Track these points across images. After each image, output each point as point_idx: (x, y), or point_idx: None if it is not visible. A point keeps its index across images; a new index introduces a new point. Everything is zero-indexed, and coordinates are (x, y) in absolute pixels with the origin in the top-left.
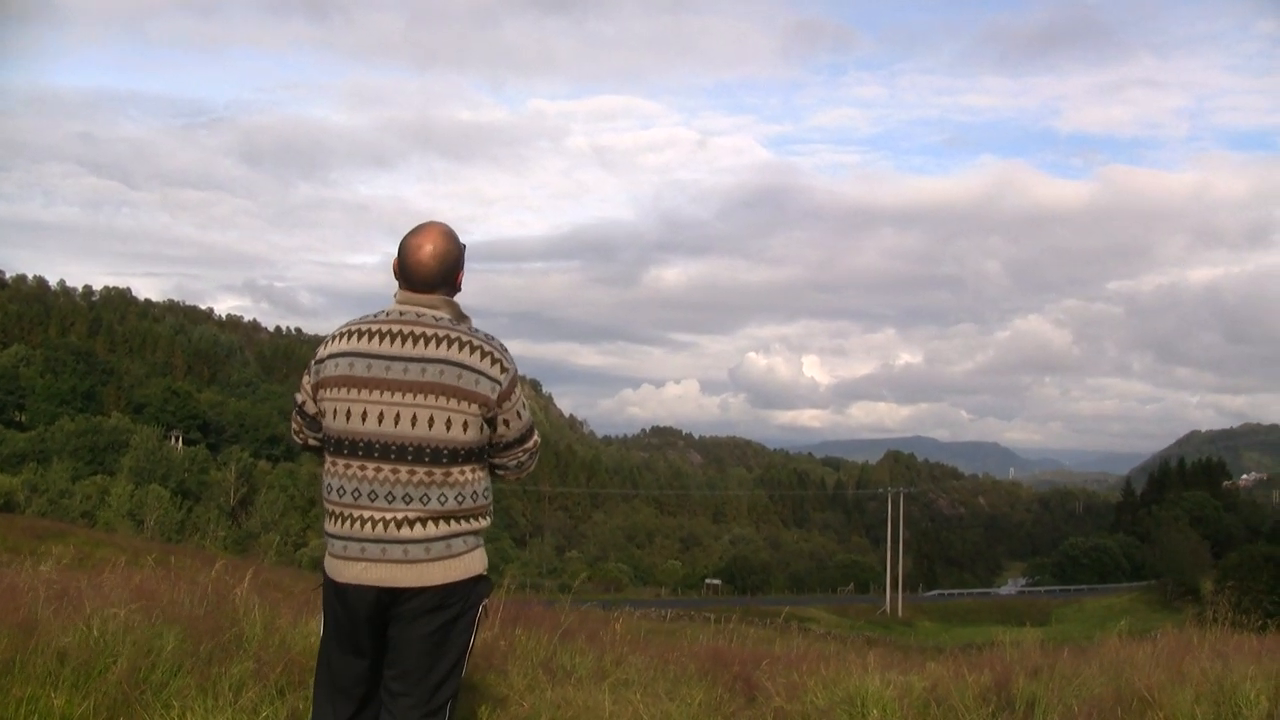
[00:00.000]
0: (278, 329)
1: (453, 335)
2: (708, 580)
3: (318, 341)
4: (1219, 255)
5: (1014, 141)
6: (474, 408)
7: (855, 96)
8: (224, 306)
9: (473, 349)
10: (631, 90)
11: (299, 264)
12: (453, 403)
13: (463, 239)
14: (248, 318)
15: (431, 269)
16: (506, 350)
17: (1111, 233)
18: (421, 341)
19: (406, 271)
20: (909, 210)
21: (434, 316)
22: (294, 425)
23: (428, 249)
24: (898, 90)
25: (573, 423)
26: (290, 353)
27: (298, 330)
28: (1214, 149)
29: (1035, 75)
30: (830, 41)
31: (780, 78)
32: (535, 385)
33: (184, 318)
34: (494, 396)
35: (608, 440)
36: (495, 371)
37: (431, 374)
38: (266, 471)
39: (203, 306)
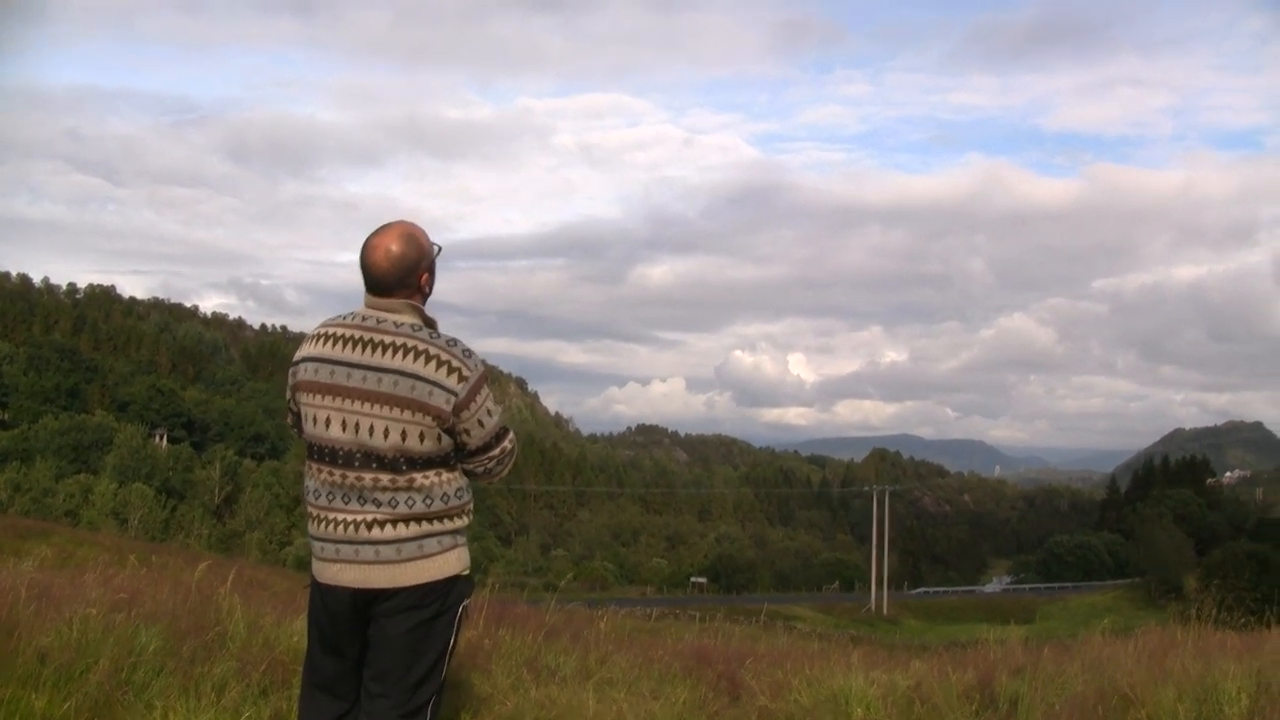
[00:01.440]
0: (263, 326)
1: (409, 344)
2: (693, 578)
3: (303, 340)
4: (1203, 254)
5: (1000, 140)
6: (428, 419)
7: (842, 94)
8: (209, 304)
9: (428, 359)
10: (619, 88)
11: (285, 262)
12: (406, 414)
13: (449, 237)
14: (233, 315)
15: (384, 271)
16: (471, 356)
17: (1097, 231)
18: (379, 350)
19: (364, 272)
20: (895, 208)
21: (394, 323)
22: (288, 419)
23: (381, 251)
24: (885, 88)
25: (558, 421)
26: (275, 350)
27: (283, 328)
28: (1200, 147)
29: (1022, 74)
30: (818, 39)
31: (768, 75)
32: (521, 383)
33: (169, 315)
34: (449, 408)
35: (593, 438)
36: (451, 382)
37: (386, 385)
38: (251, 470)
39: (188, 304)
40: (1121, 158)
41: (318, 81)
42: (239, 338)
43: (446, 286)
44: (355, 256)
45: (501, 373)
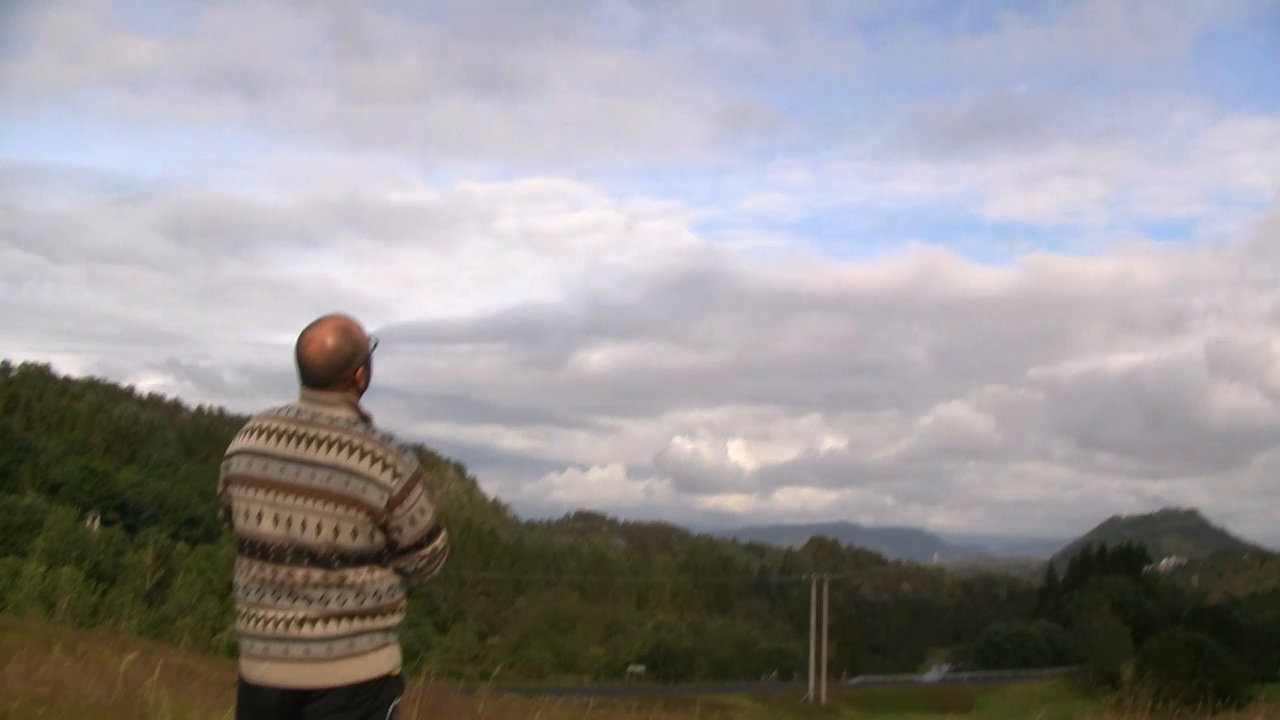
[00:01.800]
0: (200, 408)
1: (344, 439)
2: (630, 667)
3: (240, 423)
4: (1138, 342)
5: (939, 228)
6: (361, 515)
7: (783, 182)
8: (146, 385)
9: (363, 454)
10: (562, 173)
11: (224, 343)
12: (340, 509)
13: (390, 320)
14: (170, 396)
15: (319, 365)
16: (406, 453)
17: (1034, 319)
18: (314, 444)
19: (298, 366)
20: (835, 296)
21: (329, 417)
22: (220, 514)
23: (315, 345)
24: (825, 176)
25: (497, 506)
26: (212, 433)
27: (220, 410)
28: (1134, 237)
29: (960, 163)
30: (758, 127)
31: (709, 162)
32: (459, 468)
33: (104, 396)
34: (382, 504)
35: (531, 525)
36: (386, 478)
37: (320, 479)
38: (185, 554)
39: (124, 384)
40: (1057, 246)
41: (259, 162)
42: (175, 419)
43: (386, 370)
44: (294, 338)
45: (440, 457)
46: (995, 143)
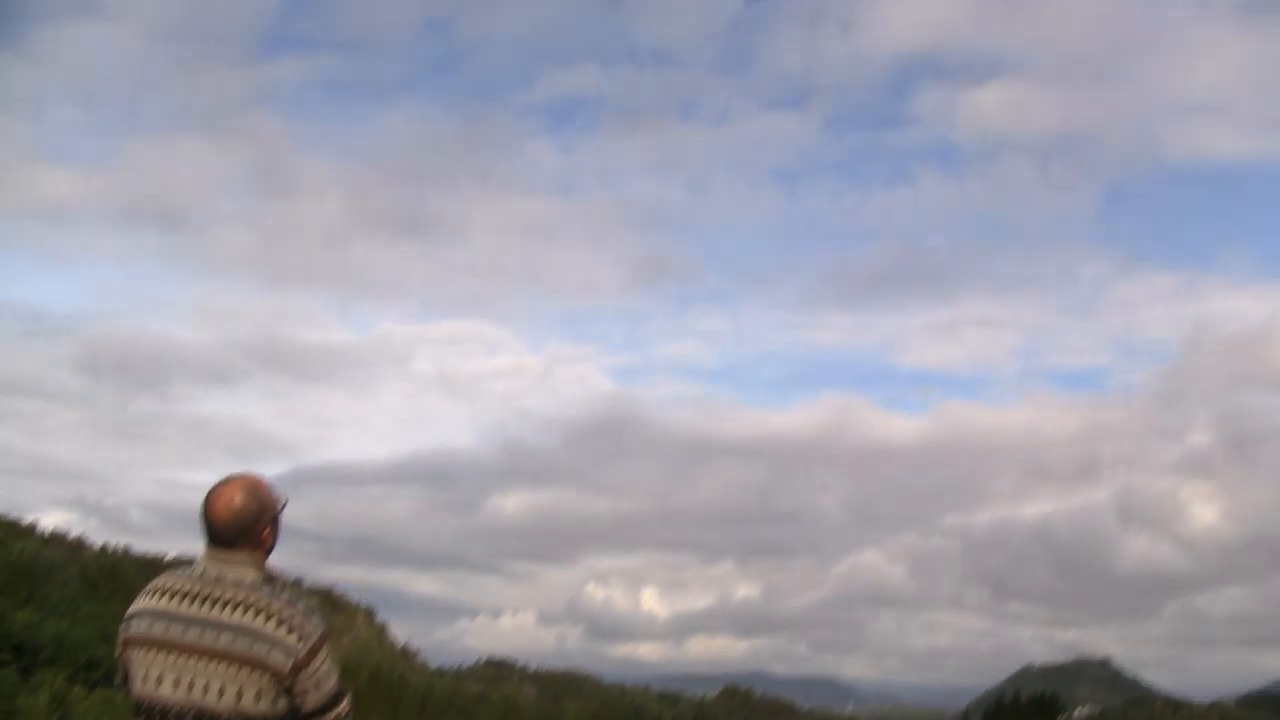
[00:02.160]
0: (104, 546)
1: (249, 601)
2: None
3: (146, 563)
4: (1049, 490)
5: (854, 377)
6: (266, 678)
7: (701, 329)
8: (51, 520)
9: (268, 616)
10: (480, 316)
11: (133, 480)
12: (244, 672)
13: (303, 461)
14: (74, 533)
15: (225, 523)
16: (312, 616)
17: (947, 468)
18: (218, 605)
19: (205, 523)
20: (750, 444)
21: (234, 578)
22: (119, 677)
23: (223, 503)
24: (742, 324)
25: (406, 652)
26: (117, 571)
27: (126, 549)
28: (1045, 387)
29: (875, 313)
30: (676, 275)
31: (627, 308)
32: (370, 613)
33: (4, 531)
34: (287, 668)
35: (441, 672)
36: (291, 641)
37: (224, 641)
38: (82, 697)
39: (27, 520)
40: (970, 395)
41: (176, 298)
42: (79, 557)
43: (299, 512)
44: (206, 477)
45: (350, 602)
46: (909, 293)
